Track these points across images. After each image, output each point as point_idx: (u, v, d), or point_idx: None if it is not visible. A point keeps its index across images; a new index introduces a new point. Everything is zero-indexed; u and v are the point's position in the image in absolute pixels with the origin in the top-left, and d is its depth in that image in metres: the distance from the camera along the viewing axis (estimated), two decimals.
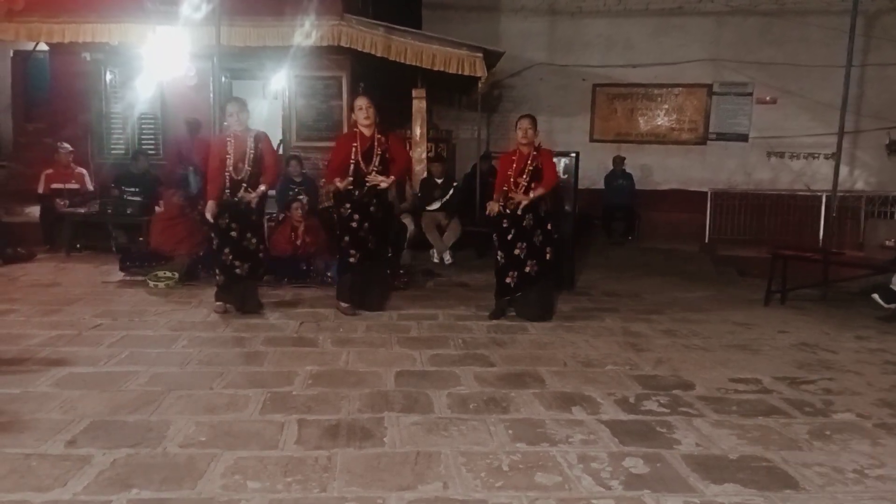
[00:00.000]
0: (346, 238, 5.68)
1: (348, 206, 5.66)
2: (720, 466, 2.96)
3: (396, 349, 4.74)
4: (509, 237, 5.71)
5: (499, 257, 5.80)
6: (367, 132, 5.73)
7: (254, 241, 5.68)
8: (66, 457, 2.89)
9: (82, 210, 8.55)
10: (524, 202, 5.58)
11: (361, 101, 5.78)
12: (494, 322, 5.63)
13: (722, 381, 4.22)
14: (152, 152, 9.85)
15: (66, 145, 9.10)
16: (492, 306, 5.88)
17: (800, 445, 3.24)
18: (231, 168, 5.52)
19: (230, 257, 5.60)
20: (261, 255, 5.78)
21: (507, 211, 5.69)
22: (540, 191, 5.60)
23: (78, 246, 8.60)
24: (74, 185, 9.02)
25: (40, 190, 8.97)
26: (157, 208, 7.86)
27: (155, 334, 4.97)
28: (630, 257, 9.58)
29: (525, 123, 5.89)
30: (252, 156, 5.55)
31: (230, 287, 5.67)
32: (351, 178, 5.58)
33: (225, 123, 5.72)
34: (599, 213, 11.05)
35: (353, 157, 5.65)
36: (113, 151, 9.99)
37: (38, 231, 8.78)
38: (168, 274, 6.71)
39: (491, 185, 10.65)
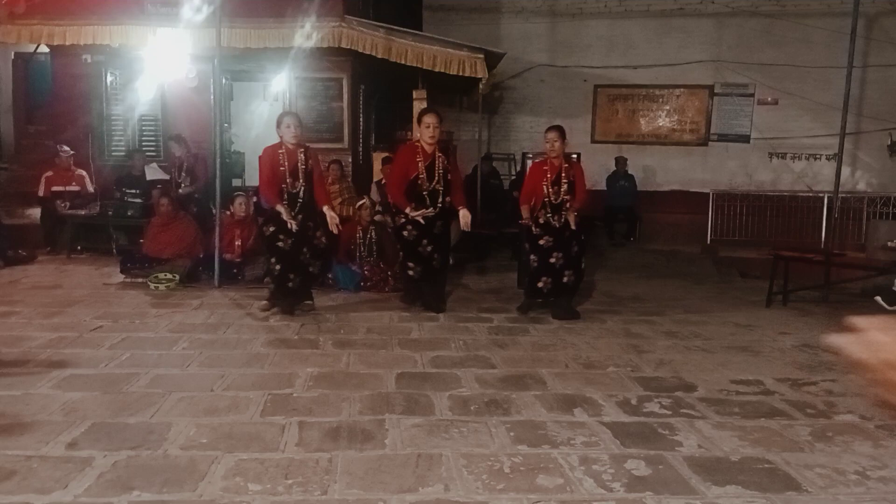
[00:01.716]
0: (408, 254, 5.93)
1: (410, 227, 5.82)
2: (722, 468, 2.96)
3: (397, 351, 4.73)
4: (542, 242, 5.80)
5: (531, 260, 5.90)
6: (429, 149, 5.76)
7: (323, 238, 5.85)
8: (68, 459, 2.89)
9: (83, 212, 8.55)
10: (572, 222, 5.71)
11: (431, 119, 5.72)
12: (495, 324, 5.63)
13: (723, 382, 4.21)
14: (153, 154, 9.85)
15: (67, 148, 9.11)
16: (495, 306, 5.96)
17: (801, 447, 3.23)
18: (288, 181, 5.55)
19: (307, 255, 5.70)
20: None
21: (542, 221, 5.80)
22: (576, 207, 5.77)
23: (79, 248, 8.62)
24: (75, 188, 9.01)
25: (41, 192, 8.98)
26: (163, 199, 7.68)
27: (156, 336, 4.97)
28: (631, 258, 9.58)
29: (552, 136, 5.78)
30: (304, 170, 5.61)
31: (300, 289, 5.76)
32: (431, 209, 5.76)
33: (280, 134, 5.62)
34: (601, 214, 11.04)
35: (418, 171, 5.72)
36: (114, 153, 9.99)
37: (39, 233, 8.79)
38: (169, 276, 6.71)
39: (492, 187, 10.75)
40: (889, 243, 7.27)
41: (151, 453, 2.96)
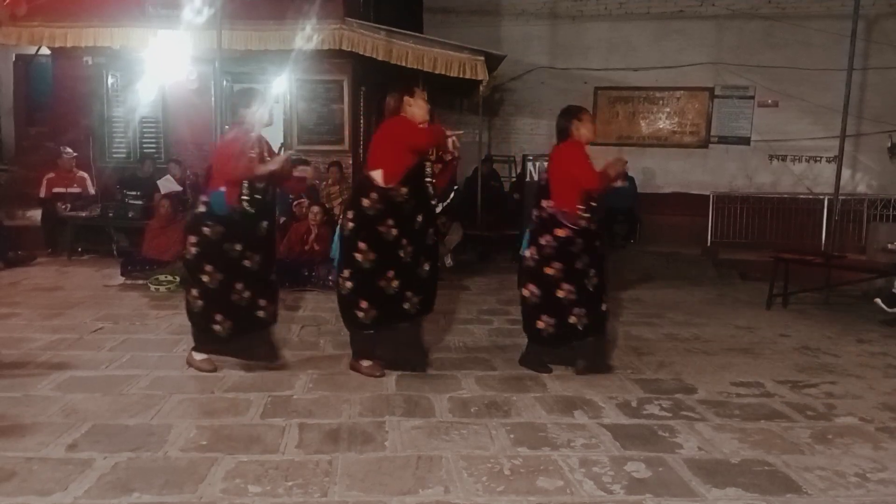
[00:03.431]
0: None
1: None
2: (722, 470, 2.96)
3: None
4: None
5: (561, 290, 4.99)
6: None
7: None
8: (68, 460, 2.89)
9: (84, 214, 8.56)
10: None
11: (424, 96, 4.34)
12: (496, 326, 5.65)
13: (724, 384, 4.21)
14: (154, 156, 9.85)
15: (70, 150, 9.12)
16: (495, 308, 5.94)
17: (802, 449, 3.23)
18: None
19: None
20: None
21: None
22: None
23: (79, 249, 8.63)
24: (76, 189, 9.03)
25: (42, 194, 8.99)
26: (164, 201, 7.66)
27: (156, 338, 4.97)
28: (631, 261, 9.56)
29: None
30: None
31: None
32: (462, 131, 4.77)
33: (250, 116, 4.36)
34: (601, 216, 11.02)
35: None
36: (115, 155, 10.00)
37: (40, 235, 8.79)
38: (169, 278, 6.71)
39: (493, 189, 10.75)
40: (889, 246, 7.26)
41: (151, 455, 2.96)
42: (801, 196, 11.02)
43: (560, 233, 4.18)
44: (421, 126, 4.15)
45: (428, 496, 2.67)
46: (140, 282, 6.86)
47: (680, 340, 5.32)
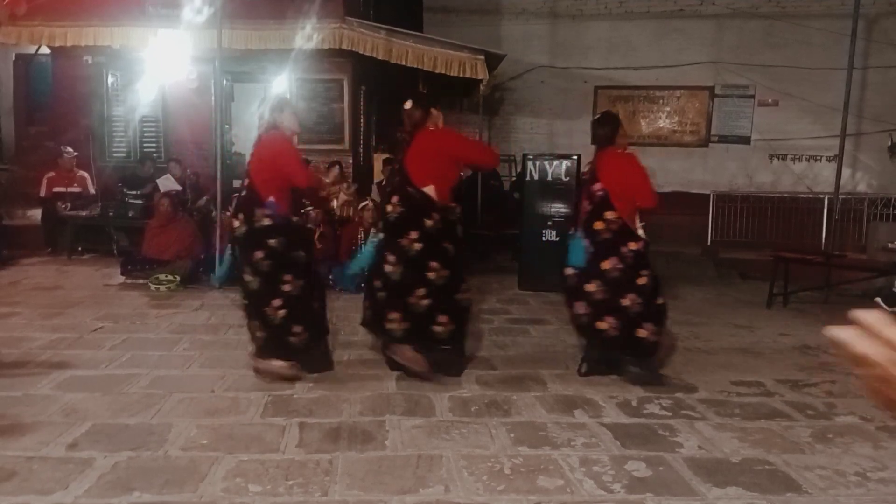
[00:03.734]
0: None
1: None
2: (722, 470, 2.96)
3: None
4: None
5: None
6: None
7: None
8: (68, 460, 2.89)
9: (84, 213, 8.56)
10: None
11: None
12: (496, 325, 5.64)
13: (724, 383, 4.21)
14: (154, 155, 9.85)
15: (70, 149, 9.12)
16: (495, 307, 5.90)
17: (802, 448, 3.23)
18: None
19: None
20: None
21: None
22: None
23: (80, 249, 8.62)
24: (76, 189, 9.03)
25: (42, 193, 8.99)
26: (163, 200, 7.65)
27: (156, 337, 4.97)
28: None
29: None
30: None
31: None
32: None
33: (281, 122, 4.29)
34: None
35: None
36: (115, 154, 10.00)
37: (40, 234, 8.79)
38: (169, 277, 6.72)
39: (492, 189, 10.75)
40: (889, 245, 7.27)
41: (152, 454, 2.96)
42: (802, 195, 11.02)
43: (633, 246, 4.18)
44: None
45: (428, 495, 2.67)
46: (140, 281, 6.86)
47: (680, 340, 5.31)
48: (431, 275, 3.98)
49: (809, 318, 6.29)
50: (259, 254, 3.96)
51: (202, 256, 7.15)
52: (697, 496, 2.72)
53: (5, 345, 4.61)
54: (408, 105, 4.11)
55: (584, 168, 4.30)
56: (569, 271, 4.23)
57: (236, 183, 10.28)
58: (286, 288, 3.97)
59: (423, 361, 4.07)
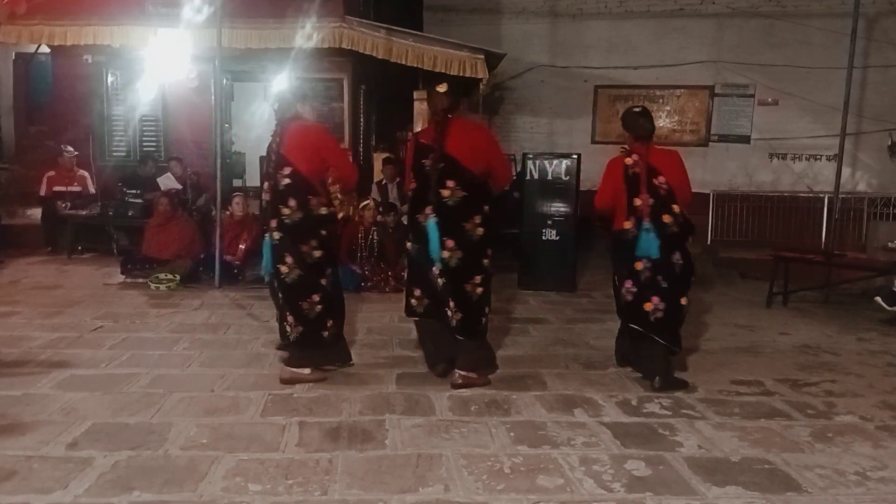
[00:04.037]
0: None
1: None
2: (722, 469, 2.96)
3: (397, 351, 4.73)
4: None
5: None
6: None
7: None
8: (68, 459, 2.89)
9: (84, 212, 8.56)
10: None
11: None
12: (496, 324, 5.61)
13: (724, 383, 4.21)
14: (155, 155, 9.85)
15: (71, 148, 9.12)
16: (495, 307, 5.83)
17: (802, 448, 3.23)
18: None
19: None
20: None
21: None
22: None
23: (80, 248, 8.62)
24: (76, 188, 9.03)
25: (42, 192, 8.99)
26: (162, 199, 7.62)
27: (156, 336, 4.97)
28: None
29: None
30: None
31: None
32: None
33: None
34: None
35: None
36: (115, 154, 9.99)
37: (40, 233, 8.79)
38: (169, 276, 6.71)
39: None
40: (889, 244, 7.27)
41: (152, 453, 2.96)
42: (802, 194, 11.01)
43: (690, 239, 4.38)
44: None
45: (428, 494, 2.67)
46: (140, 280, 6.85)
47: None
48: (486, 261, 3.99)
49: (809, 318, 6.29)
50: (313, 242, 3.88)
51: (202, 256, 7.14)
52: (697, 495, 2.72)
53: (5, 344, 4.61)
54: (442, 88, 4.00)
55: (629, 160, 4.27)
56: (640, 265, 4.13)
57: (236, 182, 10.38)
58: (324, 281, 3.95)
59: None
